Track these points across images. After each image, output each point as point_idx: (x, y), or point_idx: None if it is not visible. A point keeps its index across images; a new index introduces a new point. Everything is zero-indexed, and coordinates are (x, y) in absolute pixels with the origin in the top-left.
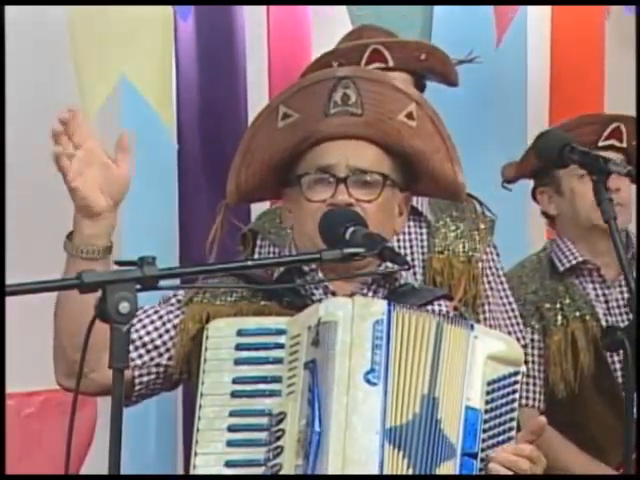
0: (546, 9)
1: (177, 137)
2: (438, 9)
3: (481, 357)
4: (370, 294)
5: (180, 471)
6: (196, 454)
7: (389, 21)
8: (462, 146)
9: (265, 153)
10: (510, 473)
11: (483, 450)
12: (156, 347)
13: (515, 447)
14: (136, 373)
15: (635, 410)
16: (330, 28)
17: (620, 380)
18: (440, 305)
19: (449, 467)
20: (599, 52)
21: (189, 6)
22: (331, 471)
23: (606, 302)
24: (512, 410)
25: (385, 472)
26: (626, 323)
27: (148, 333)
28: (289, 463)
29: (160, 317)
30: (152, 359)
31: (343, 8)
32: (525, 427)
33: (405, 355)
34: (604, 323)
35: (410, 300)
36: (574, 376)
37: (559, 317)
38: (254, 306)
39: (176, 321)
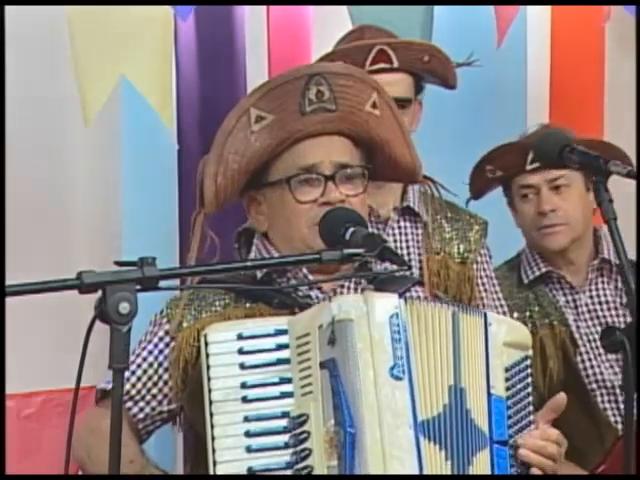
0: (546, 9)
1: (177, 137)
2: (439, 9)
3: (498, 344)
4: (352, 285)
5: (180, 471)
6: (216, 463)
7: (389, 21)
8: (462, 146)
9: (242, 158)
10: (540, 458)
11: (510, 436)
12: (154, 396)
13: (542, 431)
14: (140, 426)
15: (635, 410)
16: (330, 28)
17: (586, 380)
18: (417, 291)
19: (484, 456)
20: (599, 52)
21: (189, 6)
22: (372, 470)
23: (575, 307)
24: (528, 394)
25: (425, 465)
26: (597, 328)
27: (144, 385)
28: (320, 465)
29: (150, 365)
30: (153, 409)
31: (343, 8)
32: (545, 406)
33: (425, 346)
34: (574, 329)
35: (391, 288)
36: (543, 383)
37: (528, 326)
38: (241, 310)
39: (166, 363)
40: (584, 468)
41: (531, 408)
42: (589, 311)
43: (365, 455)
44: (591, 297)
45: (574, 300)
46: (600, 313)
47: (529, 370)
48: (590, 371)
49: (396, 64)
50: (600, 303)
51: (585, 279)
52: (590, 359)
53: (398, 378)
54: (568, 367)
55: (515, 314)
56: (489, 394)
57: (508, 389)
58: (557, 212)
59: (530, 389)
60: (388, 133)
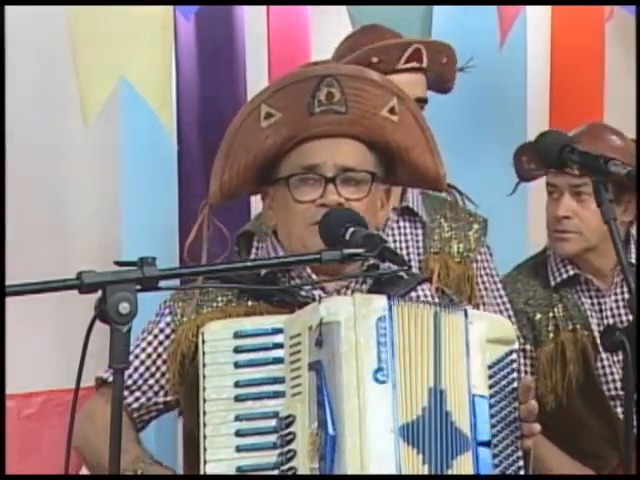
0: (546, 9)
1: (177, 137)
2: (439, 9)
3: (479, 342)
4: (358, 286)
5: (180, 471)
6: (206, 462)
7: (389, 21)
8: (462, 146)
9: (249, 153)
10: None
11: (494, 436)
12: (150, 387)
13: (528, 428)
14: (135, 415)
15: (635, 410)
16: (330, 28)
17: (605, 387)
18: (424, 290)
19: (466, 459)
20: (599, 52)
21: (191, 7)
22: (350, 473)
23: (600, 311)
24: (514, 390)
25: (403, 470)
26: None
27: (141, 375)
28: (303, 466)
29: (149, 355)
30: (149, 399)
31: (343, 8)
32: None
33: (409, 349)
34: (597, 334)
35: (395, 289)
36: (562, 387)
37: (551, 327)
38: (242, 308)
39: (165, 355)
40: (600, 470)
41: (517, 404)
42: (613, 315)
43: (344, 458)
44: (616, 301)
45: (599, 304)
46: (624, 317)
47: (514, 365)
48: (610, 377)
49: (425, 64)
50: (625, 307)
51: (610, 283)
52: (610, 365)
53: (381, 382)
54: (587, 372)
55: (538, 315)
56: (470, 394)
57: (491, 387)
58: (572, 219)
59: (516, 384)
60: (407, 139)
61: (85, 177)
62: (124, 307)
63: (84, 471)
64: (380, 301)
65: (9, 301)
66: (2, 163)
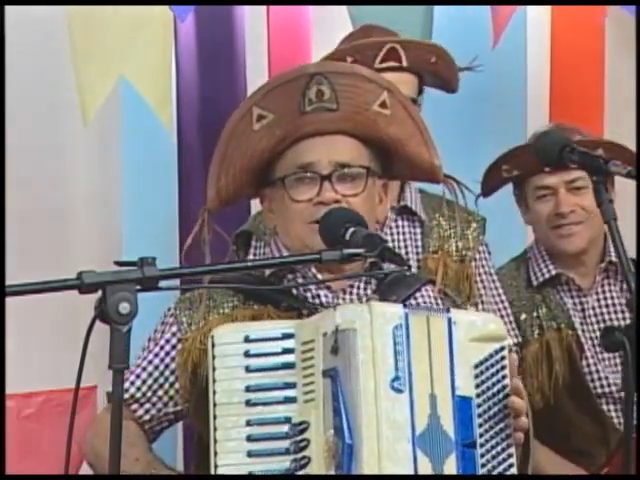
0: (546, 9)
1: (177, 137)
2: (439, 9)
3: (464, 342)
4: (362, 285)
5: (180, 470)
6: (217, 466)
7: (389, 21)
8: (462, 146)
9: (243, 156)
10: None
11: (482, 435)
12: (160, 398)
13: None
14: (147, 427)
15: (635, 409)
16: (330, 28)
17: (591, 385)
18: (427, 291)
19: (451, 461)
20: (599, 52)
21: (187, 7)
22: None
23: (582, 311)
24: (504, 387)
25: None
26: (599, 332)
27: (149, 387)
28: (318, 473)
29: (156, 367)
30: (159, 410)
31: (343, 8)
32: None
33: (420, 357)
34: (580, 332)
35: (400, 290)
36: (549, 386)
37: (535, 327)
38: (249, 312)
39: (173, 365)
40: (588, 469)
41: (507, 402)
42: (595, 314)
43: (361, 467)
44: (598, 300)
45: (581, 303)
46: (607, 316)
47: (504, 362)
48: (595, 375)
49: (405, 64)
50: (607, 306)
51: (593, 282)
52: (595, 363)
53: (399, 391)
54: (573, 370)
55: (523, 315)
56: (454, 396)
57: (478, 386)
58: (576, 211)
59: (507, 382)
60: (401, 132)
61: (85, 177)
62: (124, 307)
63: (84, 471)
64: (396, 309)
65: (9, 301)
66: (2, 163)
